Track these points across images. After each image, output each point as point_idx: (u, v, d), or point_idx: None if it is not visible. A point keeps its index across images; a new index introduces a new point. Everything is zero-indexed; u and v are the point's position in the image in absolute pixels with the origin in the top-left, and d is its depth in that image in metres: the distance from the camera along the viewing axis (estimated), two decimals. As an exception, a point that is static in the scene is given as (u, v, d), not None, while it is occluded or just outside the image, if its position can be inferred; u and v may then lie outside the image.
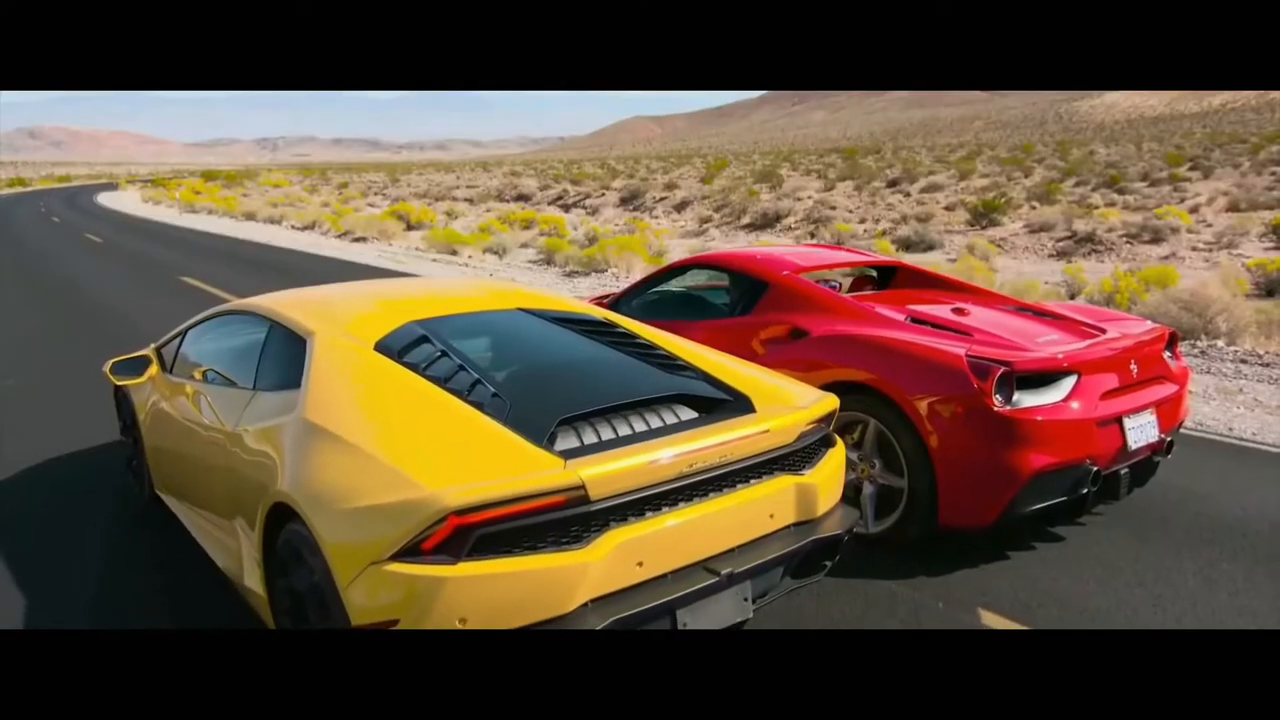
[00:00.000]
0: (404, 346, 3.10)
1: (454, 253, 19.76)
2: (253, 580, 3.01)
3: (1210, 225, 20.36)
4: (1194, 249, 17.92)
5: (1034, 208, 23.89)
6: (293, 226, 29.01)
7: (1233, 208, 22.60)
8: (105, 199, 52.41)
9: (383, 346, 3.10)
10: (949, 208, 26.15)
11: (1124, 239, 18.66)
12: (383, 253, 20.29)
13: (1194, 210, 22.40)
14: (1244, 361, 7.97)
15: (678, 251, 18.15)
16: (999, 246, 19.32)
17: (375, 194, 50.51)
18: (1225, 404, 6.60)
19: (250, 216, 33.10)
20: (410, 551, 2.27)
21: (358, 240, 24.01)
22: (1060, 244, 19.03)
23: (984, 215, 22.62)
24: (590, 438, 2.65)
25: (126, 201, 48.72)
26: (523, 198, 41.12)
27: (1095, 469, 3.73)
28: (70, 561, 3.99)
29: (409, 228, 27.19)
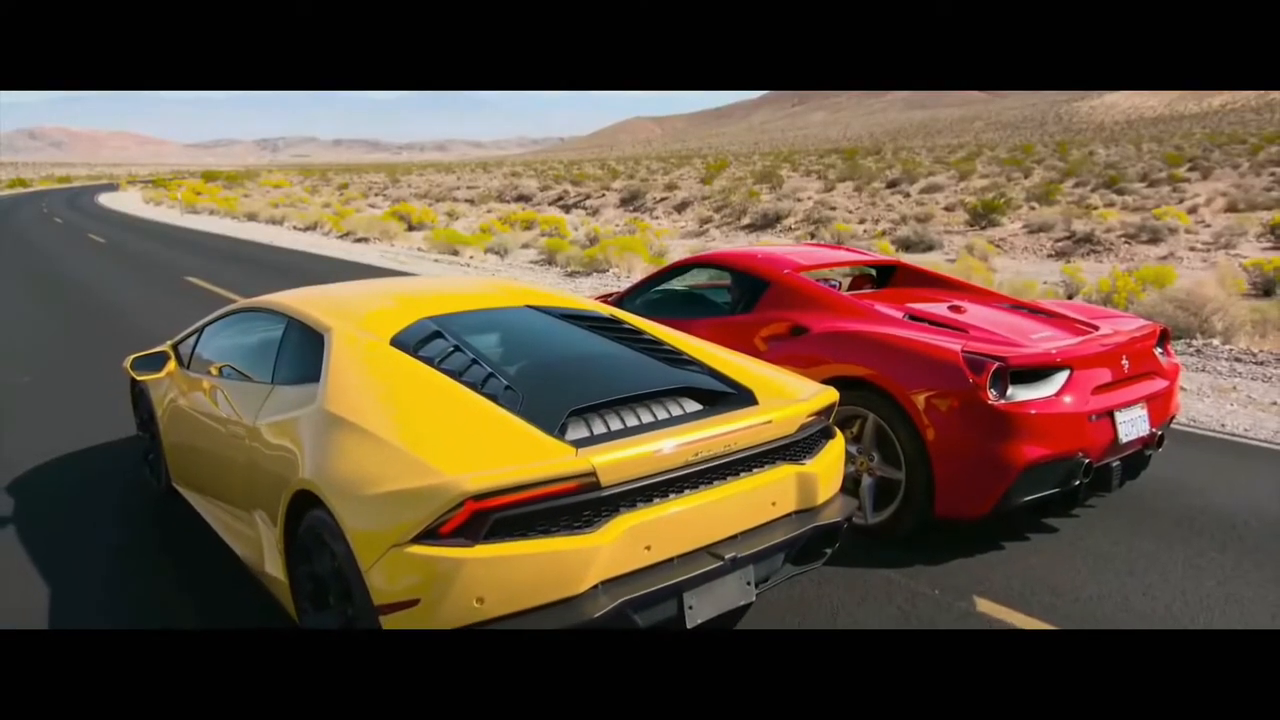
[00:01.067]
0: (419, 341, 3.21)
1: (455, 253, 19.88)
2: (274, 567, 3.12)
3: (1209, 225, 20.48)
4: (1192, 249, 18.04)
5: (1033, 208, 24.01)
6: (294, 227, 29.13)
7: (1231, 208, 22.72)
8: (106, 200, 52.53)
9: (398, 341, 3.21)
10: (948, 208, 26.27)
11: (1122, 239, 18.78)
12: (385, 253, 20.41)
13: (1192, 211, 22.52)
14: (1238, 360, 8.09)
15: (678, 252, 18.27)
16: (998, 247, 19.44)
17: (376, 195, 50.64)
18: (1219, 401, 6.71)
19: (252, 217, 33.23)
20: (430, 534, 2.38)
21: (359, 241, 24.13)
22: (1059, 244, 19.15)
23: (983, 216, 22.74)
24: (600, 428, 2.76)
25: (128, 202, 48.85)
26: (523, 198, 41.24)
27: (1087, 461, 3.83)
28: (88, 552, 4.10)
29: (410, 228, 27.31)
